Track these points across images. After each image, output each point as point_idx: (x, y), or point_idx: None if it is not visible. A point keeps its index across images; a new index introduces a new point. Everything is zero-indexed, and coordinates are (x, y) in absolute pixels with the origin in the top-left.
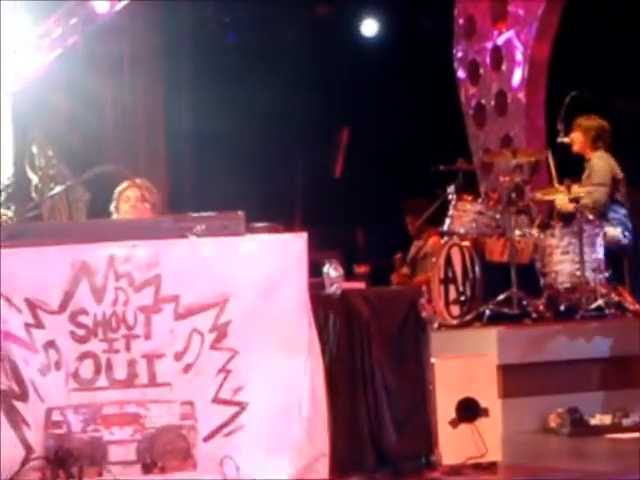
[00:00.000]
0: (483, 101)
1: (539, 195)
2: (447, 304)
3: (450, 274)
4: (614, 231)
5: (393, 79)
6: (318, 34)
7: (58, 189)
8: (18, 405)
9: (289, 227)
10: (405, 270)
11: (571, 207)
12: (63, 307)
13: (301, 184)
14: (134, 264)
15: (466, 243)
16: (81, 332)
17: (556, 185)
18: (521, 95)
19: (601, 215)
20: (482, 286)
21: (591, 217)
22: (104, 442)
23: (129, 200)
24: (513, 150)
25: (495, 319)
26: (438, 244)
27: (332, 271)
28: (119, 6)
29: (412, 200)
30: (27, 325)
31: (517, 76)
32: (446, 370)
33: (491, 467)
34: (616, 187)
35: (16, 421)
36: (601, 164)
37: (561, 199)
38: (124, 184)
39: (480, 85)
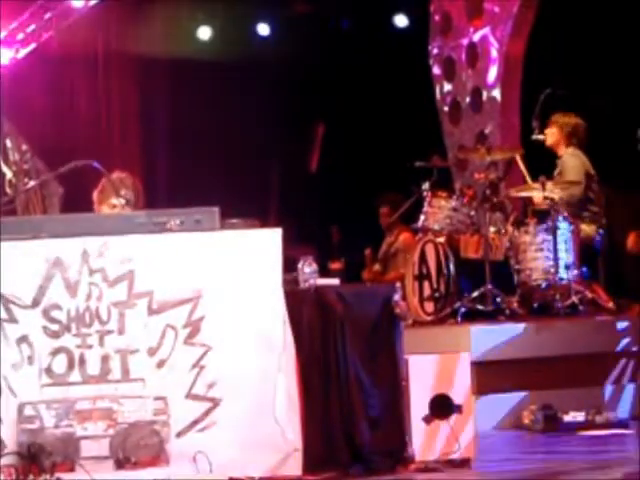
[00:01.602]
0: (458, 98)
1: (513, 192)
2: (421, 301)
3: (424, 270)
4: (588, 228)
5: (368, 75)
6: (294, 30)
7: (32, 184)
8: None
9: (264, 223)
10: (376, 267)
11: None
12: (36, 302)
13: (276, 179)
14: (108, 259)
15: (440, 240)
16: (54, 327)
17: (530, 182)
18: (496, 92)
19: (575, 211)
20: (456, 283)
21: (565, 214)
22: (77, 437)
23: (114, 208)
24: (488, 147)
25: (469, 316)
26: (409, 240)
27: (306, 267)
28: (93, 1)
29: (392, 192)
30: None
31: (492, 73)
32: (420, 367)
33: (464, 463)
34: (589, 184)
35: None
36: (573, 161)
37: (539, 196)
38: (103, 181)
39: (455, 82)
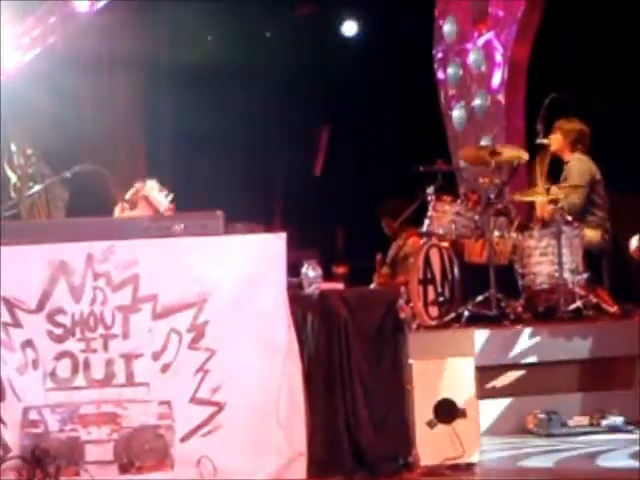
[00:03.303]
0: (463, 102)
1: (518, 196)
2: (426, 305)
3: (429, 275)
4: (593, 233)
5: (373, 79)
6: (299, 33)
7: (37, 188)
8: None
9: (268, 227)
10: (385, 271)
11: (549, 209)
12: (41, 306)
13: (281, 183)
14: (112, 263)
15: (445, 244)
16: (59, 331)
17: (540, 183)
18: (501, 96)
19: (578, 217)
20: (461, 287)
21: (570, 218)
22: (81, 442)
23: None
24: (492, 151)
25: (474, 320)
26: (418, 244)
27: (311, 271)
28: (99, 5)
29: (388, 202)
30: (5, 324)
31: (497, 77)
32: (424, 371)
33: (468, 468)
34: (594, 189)
35: None
36: (579, 166)
37: (540, 202)
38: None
39: (460, 86)
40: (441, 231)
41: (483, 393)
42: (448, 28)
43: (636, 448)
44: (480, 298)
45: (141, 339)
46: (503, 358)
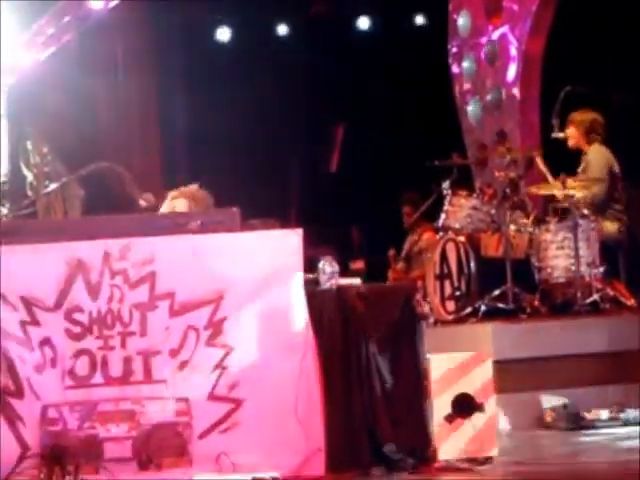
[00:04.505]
0: (477, 96)
1: (534, 190)
2: (442, 300)
3: (445, 269)
4: (610, 226)
5: (388, 75)
6: (313, 31)
7: (53, 186)
8: (14, 402)
9: (284, 223)
10: (400, 266)
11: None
12: (58, 304)
13: (296, 180)
14: (129, 261)
15: (461, 238)
16: (76, 329)
17: (551, 180)
18: (515, 90)
19: (599, 209)
20: (477, 281)
21: (586, 212)
22: (100, 439)
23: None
24: (507, 145)
25: (490, 314)
26: (433, 239)
27: (327, 267)
28: (113, 4)
29: (413, 191)
30: (23, 323)
31: (511, 71)
32: (442, 365)
33: (487, 462)
34: (613, 182)
35: (12, 418)
36: (598, 158)
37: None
38: (174, 192)
39: (475, 80)
40: (457, 225)
41: (501, 387)
42: (462, 22)
43: None
44: (497, 292)
45: (158, 336)
46: (520, 352)
